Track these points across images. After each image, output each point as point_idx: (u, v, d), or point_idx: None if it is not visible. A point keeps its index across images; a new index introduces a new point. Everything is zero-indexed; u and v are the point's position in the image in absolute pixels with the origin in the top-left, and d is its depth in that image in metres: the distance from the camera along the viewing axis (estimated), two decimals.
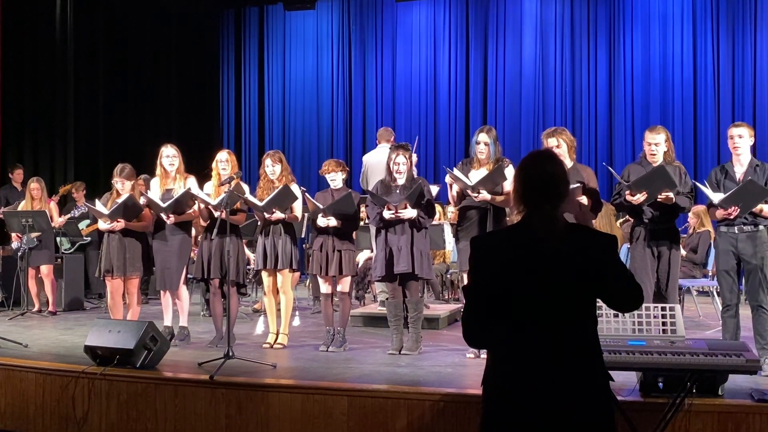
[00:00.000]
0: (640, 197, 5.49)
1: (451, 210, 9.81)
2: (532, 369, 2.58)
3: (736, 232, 5.41)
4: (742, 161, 5.51)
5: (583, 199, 5.66)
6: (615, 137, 12.98)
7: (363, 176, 8.39)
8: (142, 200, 6.70)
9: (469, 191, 5.89)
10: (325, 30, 14.76)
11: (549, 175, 2.70)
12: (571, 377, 2.58)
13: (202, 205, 6.58)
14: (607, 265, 2.66)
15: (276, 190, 6.35)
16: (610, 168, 5.89)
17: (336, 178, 6.57)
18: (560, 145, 5.82)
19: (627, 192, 5.55)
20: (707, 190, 5.50)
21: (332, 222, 6.37)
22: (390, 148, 6.49)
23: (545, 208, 2.65)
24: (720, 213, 5.43)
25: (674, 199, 5.53)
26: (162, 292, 6.90)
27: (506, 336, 2.64)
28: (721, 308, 5.67)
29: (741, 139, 5.47)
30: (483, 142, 6.04)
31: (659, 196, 5.50)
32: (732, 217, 5.33)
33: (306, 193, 6.57)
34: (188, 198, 6.58)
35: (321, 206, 6.37)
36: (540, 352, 2.58)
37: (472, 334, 2.72)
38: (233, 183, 6.23)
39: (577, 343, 2.62)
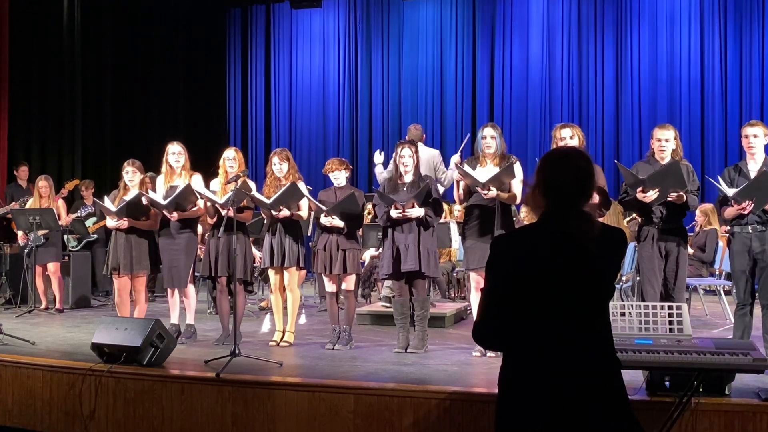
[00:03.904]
0: (652, 194, 5.44)
1: (458, 208, 9.81)
2: (560, 369, 2.51)
3: (750, 231, 5.38)
4: (756, 159, 5.48)
5: (594, 197, 5.64)
6: (622, 136, 12.96)
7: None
8: (143, 200, 6.70)
9: (479, 188, 5.88)
10: (331, 28, 14.77)
11: (588, 173, 2.62)
12: (596, 376, 2.54)
13: (209, 203, 6.59)
14: (617, 269, 2.66)
15: (283, 188, 6.35)
16: (620, 165, 5.85)
17: (339, 177, 6.58)
18: (574, 137, 5.81)
19: (639, 189, 5.50)
20: (722, 185, 5.46)
21: (336, 222, 6.37)
22: (396, 144, 6.49)
23: (579, 206, 2.58)
24: (732, 210, 5.39)
25: (685, 198, 5.51)
26: (169, 290, 6.93)
27: (531, 336, 2.56)
28: (730, 307, 5.64)
29: (756, 139, 5.44)
30: (489, 136, 6.05)
31: (670, 196, 5.48)
32: (746, 212, 5.30)
33: (309, 195, 6.57)
34: (189, 194, 6.58)
35: (323, 207, 6.38)
36: (568, 352, 2.52)
37: (488, 335, 2.64)
38: (240, 181, 6.25)
39: (600, 341, 2.58)
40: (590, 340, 2.56)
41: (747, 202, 5.25)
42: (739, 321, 5.44)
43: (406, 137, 8.31)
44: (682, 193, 5.47)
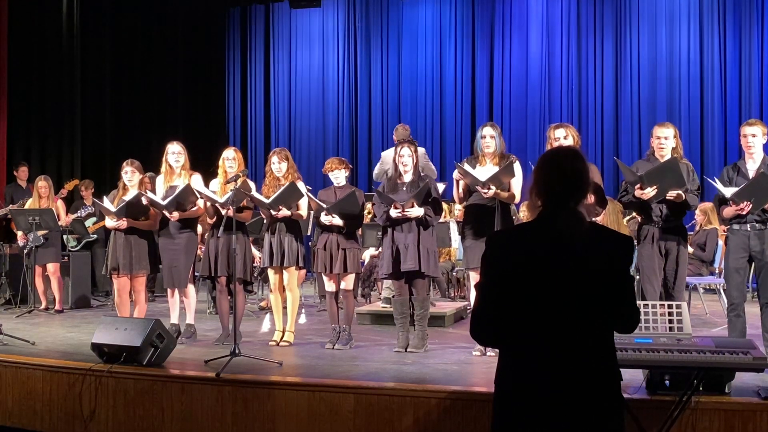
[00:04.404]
0: (650, 191, 5.44)
1: (458, 208, 9.81)
2: (551, 369, 2.52)
3: (749, 229, 5.37)
4: (755, 158, 5.48)
5: (589, 196, 5.64)
6: (621, 135, 12.95)
7: (381, 171, 8.28)
8: (143, 200, 6.70)
9: (479, 187, 5.88)
10: (330, 28, 14.76)
11: (579, 172, 2.65)
12: (588, 379, 2.53)
13: (209, 203, 6.59)
14: (619, 272, 2.61)
15: (282, 188, 6.35)
16: (620, 162, 5.85)
17: (339, 176, 6.58)
18: (568, 137, 5.82)
19: (636, 186, 5.50)
20: (719, 186, 5.46)
21: (336, 221, 6.37)
22: (396, 144, 6.49)
23: (570, 206, 2.61)
24: (731, 210, 5.39)
25: (684, 197, 5.50)
26: (169, 290, 6.93)
27: (523, 335, 2.58)
28: (726, 307, 5.64)
29: (755, 138, 5.44)
30: (489, 136, 6.06)
31: (668, 195, 5.47)
32: (744, 212, 5.29)
33: (309, 193, 6.56)
34: (189, 194, 6.58)
35: (324, 205, 6.38)
36: (562, 351, 2.53)
37: (483, 332, 2.66)
38: (239, 181, 6.24)
39: (594, 343, 2.57)
40: (586, 341, 2.56)
41: (745, 202, 5.25)
42: (734, 321, 5.41)
43: (393, 137, 8.35)
44: (681, 192, 5.47)
